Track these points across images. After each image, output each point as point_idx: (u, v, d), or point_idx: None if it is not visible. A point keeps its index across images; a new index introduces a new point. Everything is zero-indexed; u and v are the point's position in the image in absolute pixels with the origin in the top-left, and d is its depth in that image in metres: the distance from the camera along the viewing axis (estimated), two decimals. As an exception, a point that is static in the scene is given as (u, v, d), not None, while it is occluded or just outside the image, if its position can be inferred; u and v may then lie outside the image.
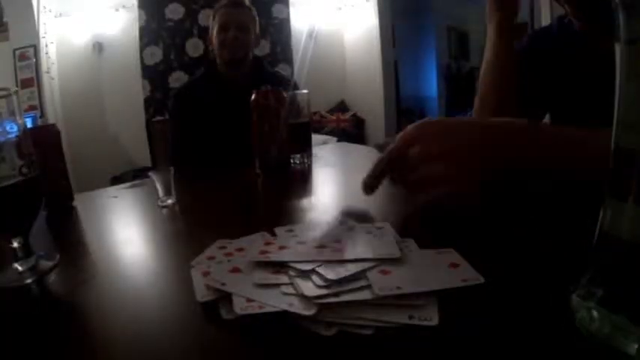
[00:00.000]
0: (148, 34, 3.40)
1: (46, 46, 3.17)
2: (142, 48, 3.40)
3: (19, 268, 0.49)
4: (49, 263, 0.51)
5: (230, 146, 1.21)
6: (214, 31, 1.58)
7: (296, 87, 1.70)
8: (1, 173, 0.47)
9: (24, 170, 0.49)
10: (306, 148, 1.01)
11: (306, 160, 1.00)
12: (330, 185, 0.91)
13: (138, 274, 0.50)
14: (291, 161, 0.98)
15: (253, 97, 0.93)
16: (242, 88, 1.16)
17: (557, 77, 0.90)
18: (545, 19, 2.78)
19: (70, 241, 0.63)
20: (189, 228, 0.66)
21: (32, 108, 3.19)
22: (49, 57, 3.19)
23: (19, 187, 0.48)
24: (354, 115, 3.93)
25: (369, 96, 3.81)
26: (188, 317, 0.39)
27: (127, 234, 0.67)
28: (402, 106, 4.17)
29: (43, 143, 0.71)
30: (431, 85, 5.19)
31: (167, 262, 0.53)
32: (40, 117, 3.14)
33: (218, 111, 1.49)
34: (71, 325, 0.39)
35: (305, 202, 0.76)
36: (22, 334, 0.38)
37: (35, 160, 0.51)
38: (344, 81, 4.10)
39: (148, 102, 3.40)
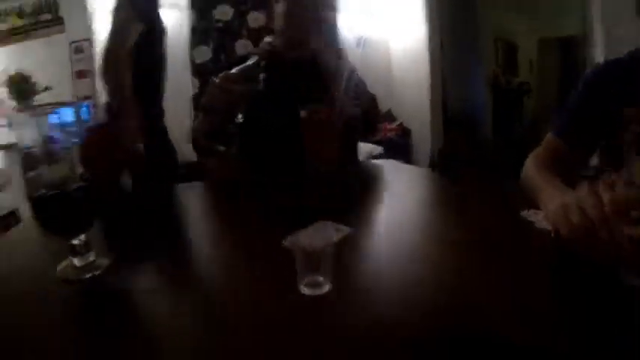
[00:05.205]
0: (197, 34, 3.49)
1: (101, 40, 3.28)
2: (192, 47, 3.50)
3: (77, 263, 0.52)
4: (106, 261, 0.54)
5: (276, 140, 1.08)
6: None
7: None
8: (63, 179, 0.48)
9: (85, 176, 0.49)
10: (353, 165, 1.00)
11: (353, 181, 1.01)
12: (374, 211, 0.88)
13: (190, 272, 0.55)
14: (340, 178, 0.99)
15: (303, 113, 0.90)
16: (303, 75, 1.08)
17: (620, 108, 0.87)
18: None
19: (127, 243, 0.65)
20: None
21: (87, 98, 3.33)
22: (104, 51, 3.30)
23: (80, 193, 0.49)
24: (401, 124, 3.86)
25: (416, 106, 3.73)
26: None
27: (183, 236, 0.67)
28: (449, 117, 4.06)
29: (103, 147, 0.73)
30: (478, 96, 5.05)
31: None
32: (94, 106, 3.27)
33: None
34: (124, 320, 0.42)
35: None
36: (80, 326, 0.41)
37: (96, 166, 0.52)
38: (391, 90, 4.01)
39: (196, 99, 3.45)
